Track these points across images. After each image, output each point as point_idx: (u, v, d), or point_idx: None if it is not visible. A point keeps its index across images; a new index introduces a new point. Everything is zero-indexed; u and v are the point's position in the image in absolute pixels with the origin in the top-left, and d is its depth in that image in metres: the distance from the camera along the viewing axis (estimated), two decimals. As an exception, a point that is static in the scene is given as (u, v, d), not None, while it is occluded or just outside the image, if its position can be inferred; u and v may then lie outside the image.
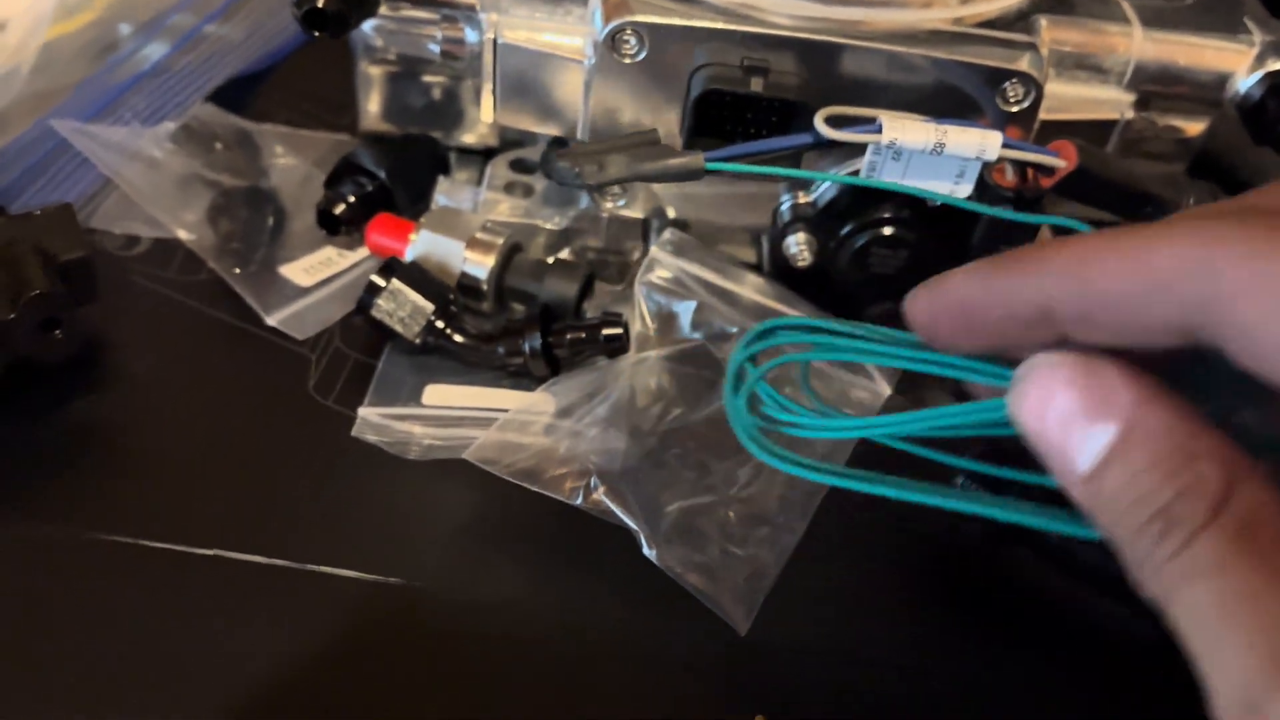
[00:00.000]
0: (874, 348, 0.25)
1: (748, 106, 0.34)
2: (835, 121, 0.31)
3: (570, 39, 0.35)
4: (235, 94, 0.44)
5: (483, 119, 0.37)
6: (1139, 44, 0.36)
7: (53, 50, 0.39)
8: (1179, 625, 0.18)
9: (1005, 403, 0.21)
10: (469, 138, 0.43)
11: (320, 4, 0.33)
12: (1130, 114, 0.36)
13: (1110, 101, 0.36)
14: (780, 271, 0.38)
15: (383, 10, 0.36)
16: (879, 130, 0.30)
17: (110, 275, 0.35)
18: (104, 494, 0.31)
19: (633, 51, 0.34)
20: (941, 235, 0.35)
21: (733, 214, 0.40)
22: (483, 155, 0.43)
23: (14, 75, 0.37)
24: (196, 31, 0.41)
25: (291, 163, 0.40)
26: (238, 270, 0.36)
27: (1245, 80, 0.36)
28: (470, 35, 0.37)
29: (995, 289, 0.21)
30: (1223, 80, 0.36)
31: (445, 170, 0.41)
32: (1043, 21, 0.35)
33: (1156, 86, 0.36)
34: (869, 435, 0.25)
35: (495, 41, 0.35)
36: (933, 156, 0.31)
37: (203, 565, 0.29)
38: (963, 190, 0.32)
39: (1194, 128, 0.39)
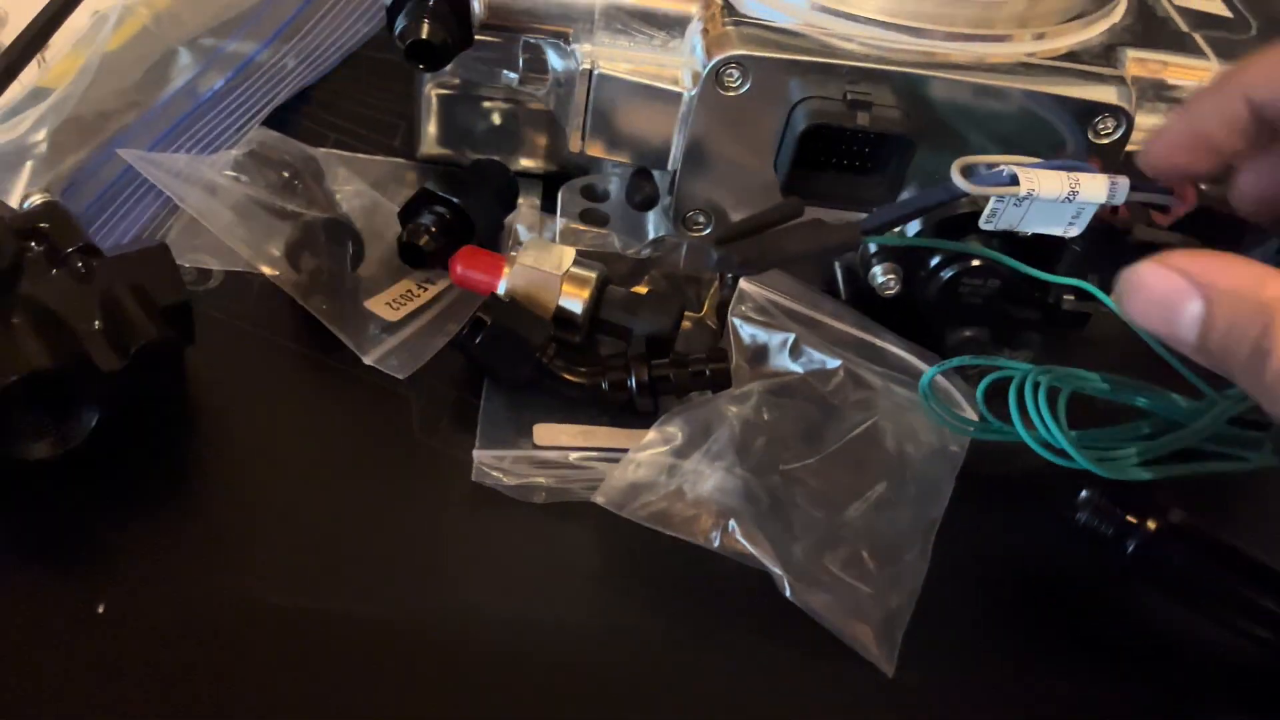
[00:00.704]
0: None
1: (841, 138, 0.34)
2: (966, 171, 0.31)
3: (668, 70, 0.35)
4: (280, 118, 0.43)
5: (570, 149, 0.37)
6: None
7: (103, 67, 0.37)
8: None
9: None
10: (527, 162, 0.43)
11: (425, 36, 0.32)
12: (1207, 145, 0.37)
13: (1189, 133, 0.37)
14: (860, 298, 0.39)
15: (470, 38, 0.36)
16: (1015, 182, 0.30)
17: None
18: (218, 546, 0.30)
19: (736, 85, 0.34)
20: (1030, 263, 0.36)
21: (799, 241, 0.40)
22: (540, 179, 0.43)
23: (66, 97, 0.35)
24: (252, 59, 0.40)
25: (356, 188, 0.39)
26: (325, 306, 0.35)
27: (1316, 112, 0.37)
28: (554, 62, 0.36)
29: (1207, 112, 0.27)
30: (1292, 112, 0.37)
31: (514, 199, 0.40)
32: (1128, 54, 0.36)
33: (1230, 117, 0.37)
34: None
35: (591, 72, 0.35)
36: (1059, 203, 0.31)
37: (329, 620, 0.28)
38: (1076, 230, 0.33)
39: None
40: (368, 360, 0.34)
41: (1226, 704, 0.31)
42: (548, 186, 0.42)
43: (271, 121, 0.42)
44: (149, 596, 0.28)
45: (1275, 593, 0.29)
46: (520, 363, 0.33)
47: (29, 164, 0.34)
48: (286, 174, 0.38)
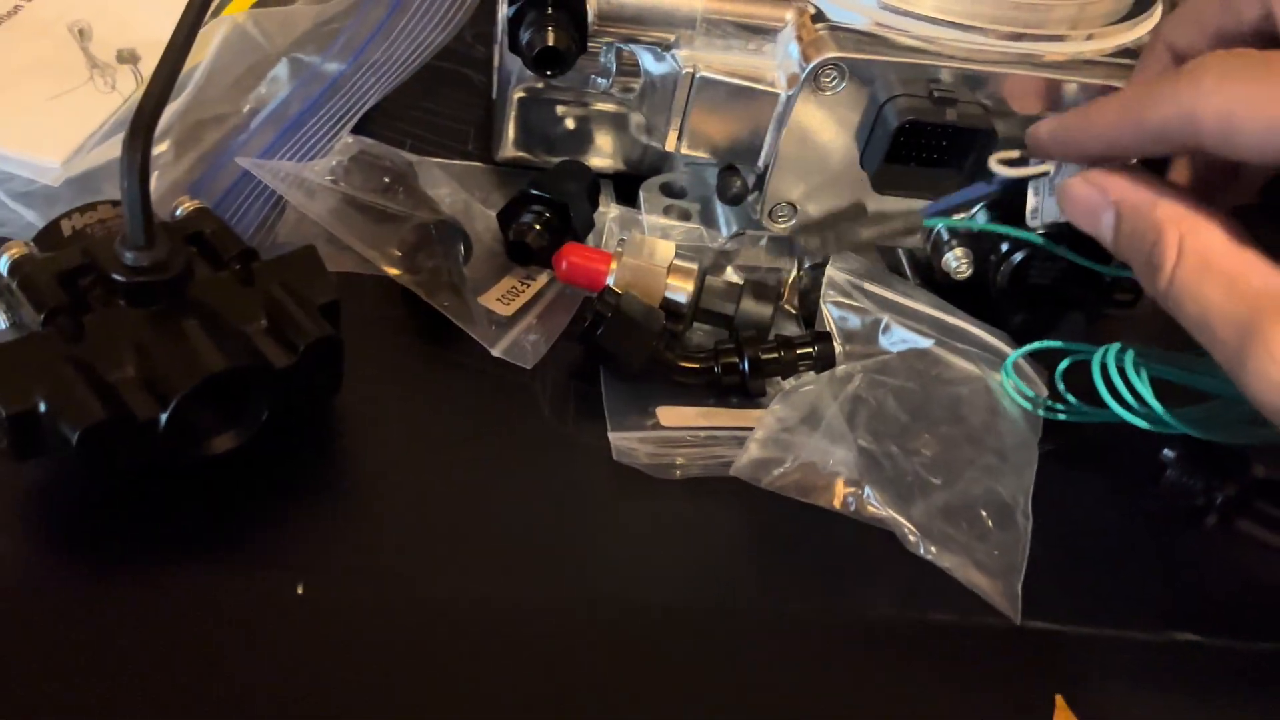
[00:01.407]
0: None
1: (926, 133, 0.37)
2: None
3: (763, 73, 0.37)
4: (358, 128, 0.44)
5: (666, 148, 0.39)
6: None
7: (211, 76, 0.38)
8: (1190, 325, 0.27)
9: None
10: (597, 162, 0.45)
11: (552, 43, 0.34)
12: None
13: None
14: (930, 282, 0.41)
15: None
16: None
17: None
18: (371, 540, 0.31)
19: (834, 85, 0.36)
20: (1091, 243, 0.39)
21: (868, 226, 0.42)
22: (610, 179, 0.45)
23: (185, 106, 0.36)
24: (341, 73, 0.41)
25: (449, 191, 0.41)
26: (448, 304, 0.36)
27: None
28: (649, 65, 0.38)
29: (1136, 128, 0.28)
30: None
31: (598, 195, 0.42)
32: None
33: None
34: None
35: (694, 76, 0.37)
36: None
37: (494, 607, 0.30)
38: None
39: None
40: (496, 352, 0.36)
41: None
42: (617, 185, 0.44)
43: (354, 131, 0.43)
44: (332, 580, 0.29)
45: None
46: (638, 351, 0.35)
47: (155, 173, 0.35)
48: (387, 179, 0.39)
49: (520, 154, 0.44)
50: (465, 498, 0.32)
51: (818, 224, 0.40)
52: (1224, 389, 0.38)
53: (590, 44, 0.37)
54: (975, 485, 0.34)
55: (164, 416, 0.28)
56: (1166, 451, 0.34)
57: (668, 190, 0.43)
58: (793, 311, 0.41)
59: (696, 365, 0.36)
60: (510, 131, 0.43)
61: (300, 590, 0.29)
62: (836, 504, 0.32)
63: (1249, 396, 0.26)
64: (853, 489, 0.33)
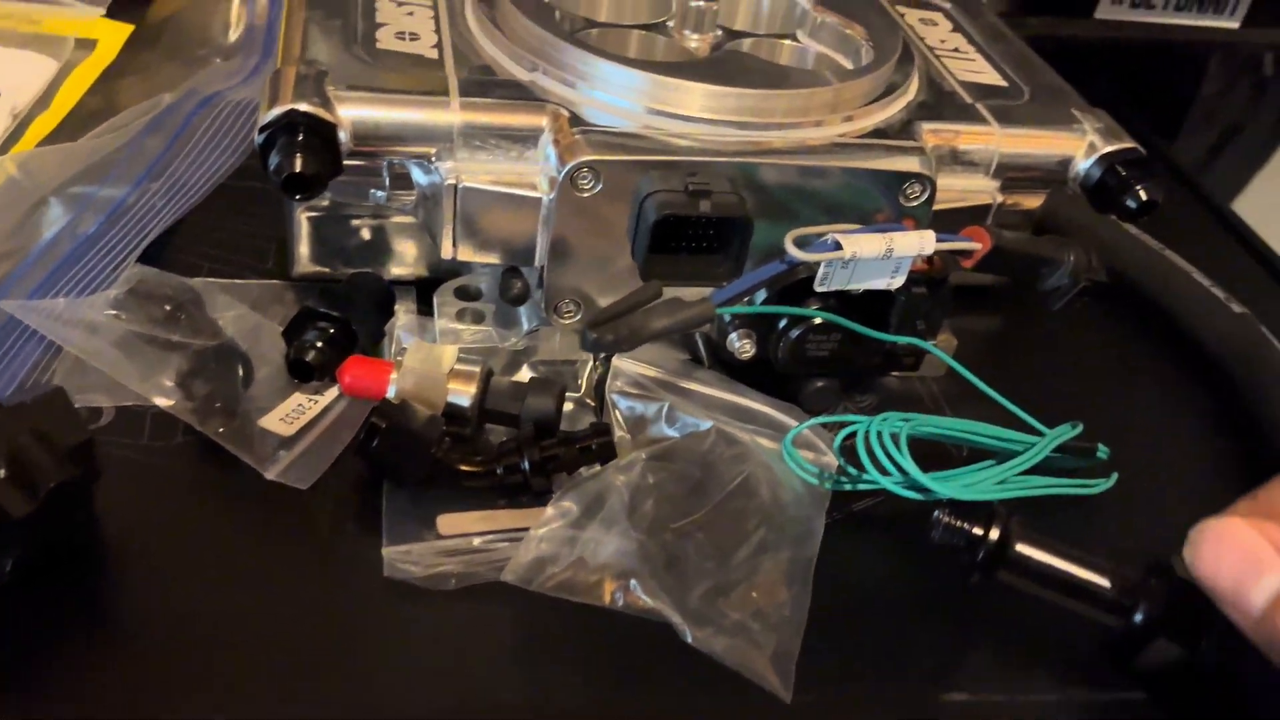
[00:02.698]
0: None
1: (688, 224, 0.38)
2: (799, 242, 0.35)
3: (526, 178, 0.38)
4: (153, 252, 0.44)
5: (443, 256, 0.39)
6: (999, 139, 0.42)
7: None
8: None
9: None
10: (399, 270, 0.45)
11: (299, 169, 0.34)
12: (1000, 198, 0.43)
13: (984, 190, 0.42)
14: (722, 363, 0.42)
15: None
16: (839, 248, 0.35)
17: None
18: (136, 677, 0.30)
19: (589, 186, 0.37)
20: (865, 316, 0.40)
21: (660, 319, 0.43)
22: (413, 285, 0.45)
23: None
24: (123, 201, 0.41)
25: (238, 313, 0.41)
26: (222, 430, 0.36)
27: (1084, 163, 0.43)
28: (419, 177, 0.39)
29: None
30: (1066, 163, 0.43)
31: (391, 306, 0.43)
32: (923, 126, 0.41)
33: (1015, 173, 0.43)
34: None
35: (456, 187, 0.38)
36: (879, 260, 0.36)
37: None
38: (898, 281, 0.37)
39: (1034, 201, 0.46)
40: (269, 475, 0.36)
41: (1099, 676, 0.35)
42: (422, 291, 0.45)
43: (145, 256, 0.43)
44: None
45: (1107, 584, 0.34)
46: (418, 461, 0.36)
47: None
48: (169, 307, 0.39)
49: (317, 269, 0.45)
50: (233, 624, 0.32)
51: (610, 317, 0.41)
52: (1000, 443, 0.39)
53: (354, 161, 0.38)
54: (751, 565, 0.34)
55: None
56: (936, 513, 0.35)
57: (463, 294, 0.44)
58: (591, 403, 0.42)
59: (479, 469, 0.37)
60: (303, 249, 0.44)
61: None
62: (606, 600, 0.33)
63: None
64: (620, 582, 0.33)
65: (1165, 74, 0.84)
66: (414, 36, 0.41)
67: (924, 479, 0.34)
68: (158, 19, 0.56)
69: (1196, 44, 0.74)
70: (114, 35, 0.52)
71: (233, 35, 0.58)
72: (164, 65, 0.54)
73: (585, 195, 0.37)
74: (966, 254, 0.38)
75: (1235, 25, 0.74)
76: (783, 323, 0.40)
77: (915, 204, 0.40)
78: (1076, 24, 0.69)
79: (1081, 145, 0.43)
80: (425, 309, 0.44)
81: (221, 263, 0.46)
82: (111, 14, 0.53)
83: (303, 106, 0.35)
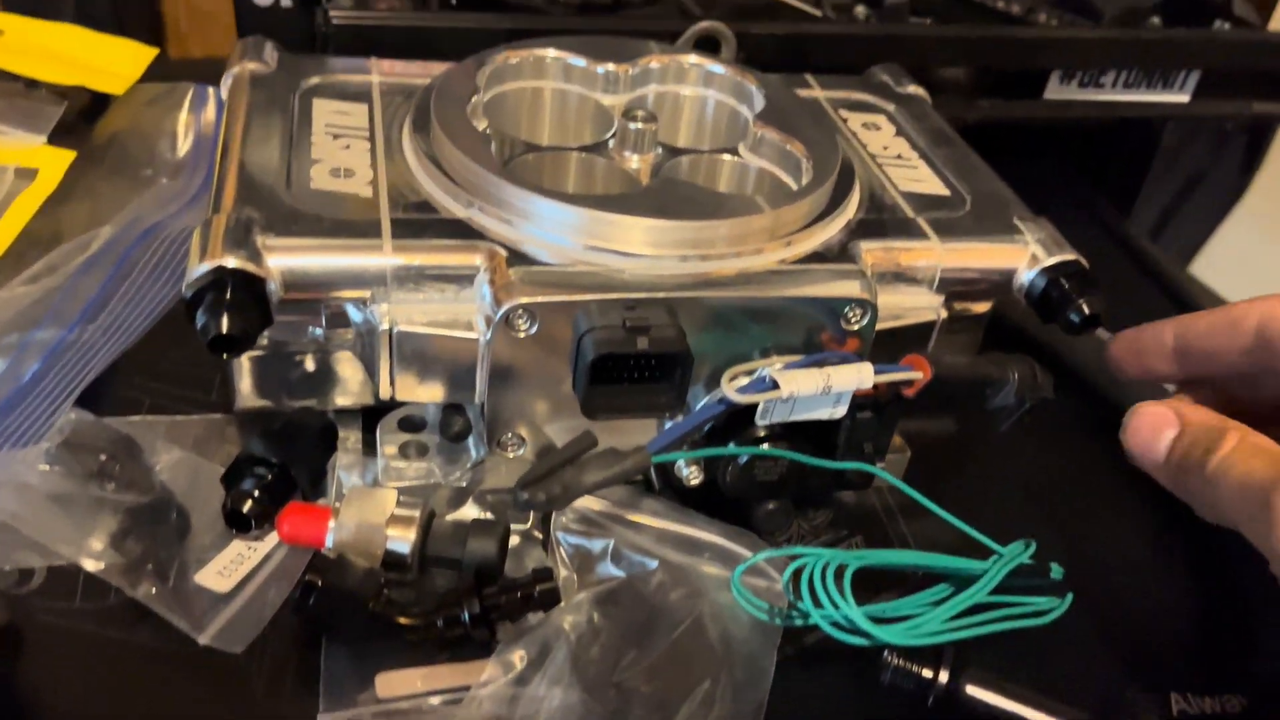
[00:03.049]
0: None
1: (628, 359, 0.38)
2: (738, 379, 0.35)
3: (463, 317, 0.38)
4: (94, 390, 0.43)
5: (381, 396, 0.39)
6: (940, 255, 0.42)
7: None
8: (1229, 491, 0.34)
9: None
10: (344, 399, 0.44)
11: (225, 331, 0.34)
12: (944, 313, 0.42)
13: (927, 306, 0.42)
14: (672, 490, 0.42)
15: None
16: (776, 387, 0.35)
17: (13, 616, 0.34)
18: None
19: (526, 327, 0.37)
20: (811, 440, 0.40)
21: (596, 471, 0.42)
22: (359, 414, 0.45)
23: None
24: (60, 343, 0.41)
25: (176, 456, 0.40)
26: (155, 591, 0.35)
27: (1028, 273, 0.43)
28: (355, 316, 0.39)
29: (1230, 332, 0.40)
30: (1009, 275, 0.43)
31: (334, 442, 0.42)
32: (862, 247, 0.41)
33: (959, 286, 0.43)
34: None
35: (391, 331, 0.37)
36: (818, 395, 0.35)
37: None
38: (840, 411, 0.37)
39: (983, 306, 0.45)
40: (203, 641, 0.35)
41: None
42: (368, 419, 0.44)
43: (85, 395, 0.42)
44: None
45: (1053, 714, 0.33)
46: (355, 616, 0.35)
47: None
48: (103, 457, 0.39)
49: (260, 403, 0.44)
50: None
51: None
52: (952, 570, 0.39)
53: (289, 307, 0.37)
54: (698, 714, 0.34)
55: None
56: (885, 654, 0.35)
57: (407, 424, 0.43)
58: (538, 536, 0.41)
59: (419, 621, 0.36)
60: (244, 385, 0.43)
61: None
62: (547, 765, 0.32)
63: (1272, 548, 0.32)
64: (561, 746, 0.32)
65: (1120, 133, 0.84)
66: (349, 173, 0.41)
67: (867, 625, 0.33)
68: (103, 139, 0.56)
69: (1148, 119, 0.74)
70: (56, 162, 0.52)
71: (181, 149, 0.58)
72: (109, 187, 0.53)
73: (522, 335, 0.37)
74: (908, 383, 0.37)
75: (1186, 99, 0.74)
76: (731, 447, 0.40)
77: (857, 327, 0.40)
78: (1026, 105, 0.70)
79: (1024, 256, 0.43)
80: (370, 440, 0.43)
81: (164, 397, 0.45)
82: (53, 140, 0.53)
83: (230, 262, 0.35)
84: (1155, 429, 0.38)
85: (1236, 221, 1.11)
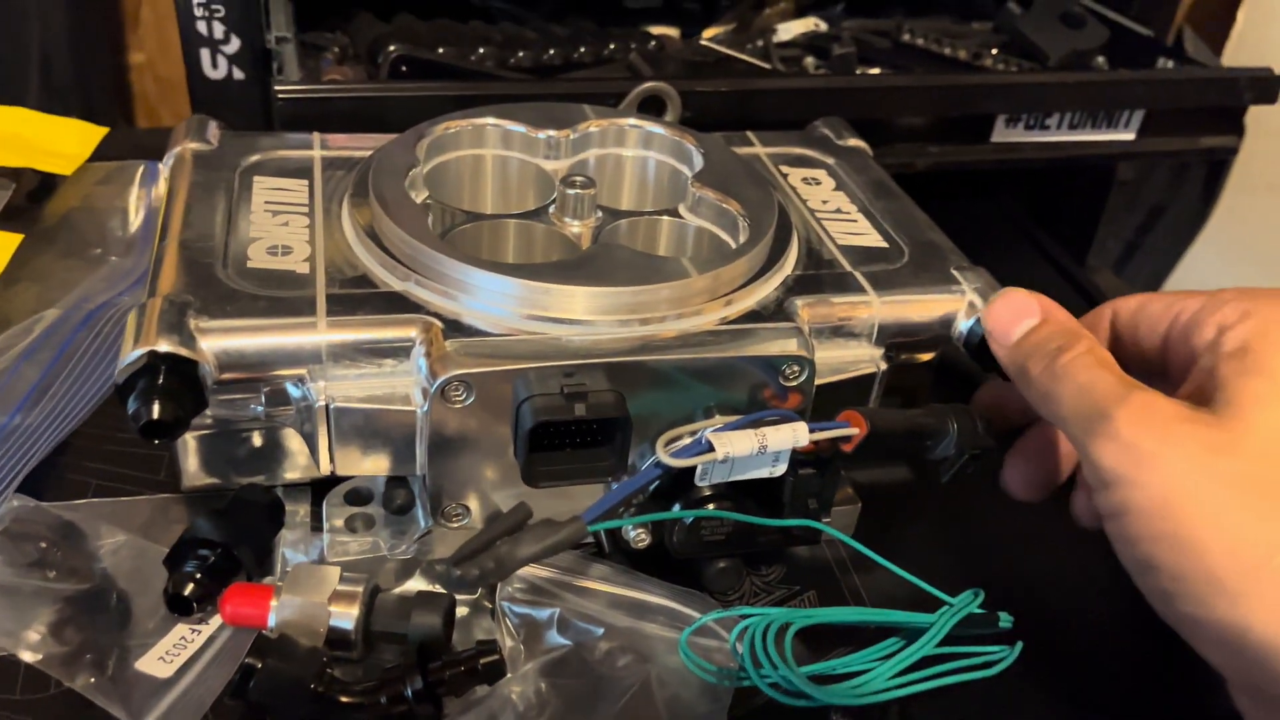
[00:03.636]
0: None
1: (562, 426, 0.38)
2: (672, 443, 0.35)
3: (400, 390, 0.38)
4: (39, 474, 0.43)
5: (322, 472, 0.39)
6: (878, 308, 0.43)
7: None
8: (1067, 395, 0.35)
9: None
10: (292, 474, 0.44)
11: (156, 416, 0.34)
12: (884, 365, 0.43)
13: (867, 358, 0.43)
14: (620, 552, 0.42)
15: (207, 393, 0.38)
16: (712, 449, 0.35)
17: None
18: None
19: (462, 398, 0.37)
20: (757, 497, 0.40)
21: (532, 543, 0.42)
22: (308, 487, 0.44)
23: None
24: (3, 429, 0.41)
25: (120, 540, 0.40)
26: (94, 680, 0.35)
27: (965, 322, 0.43)
28: (294, 392, 0.39)
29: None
30: (948, 323, 0.44)
31: (281, 517, 0.42)
32: (798, 303, 0.42)
33: (900, 337, 0.43)
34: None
35: (328, 408, 0.37)
36: (755, 455, 0.36)
37: None
38: (780, 469, 0.37)
39: (926, 356, 0.46)
40: (142, 731, 0.34)
41: None
42: (316, 492, 0.44)
43: (31, 479, 0.42)
44: None
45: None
46: (296, 700, 0.35)
47: None
48: (44, 544, 0.38)
49: (208, 481, 0.44)
50: None
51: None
52: (899, 621, 0.38)
53: (226, 387, 0.37)
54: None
55: None
56: (831, 714, 0.35)
57: (354, 497, 0.43)
58: (489, 605, 0.41)
59: (363, 700, 0.36)
60: (190, 464, 0.43)
61: None
62: (491, 845, 0.32)
63: (1093, 460, 0.33)
64: (503, 826, 0.32)
65: (1074, 171, 0.85)
66: (286, 250, 0.41)
67: (807, 687, 0.33)
68: (52, 220, 0.56)
69: (1095, 157, 0.75)
70: (3, 245, 0.52)
71: (133, 226, 0.58)
72: (59, 268, 0.53)
73: (458, 406, 0.37)
74: (845, 439, 0.37)
75: (1131, 137, 0.75)
76: (677, 507, 0.40)
77: (796, 383, 0.40)
78: (974, 149, 0.71)
79: (962, 305, 0.44)
80: (319, 511, 0.43)
81: (111, 478, 0.45)
82: (1, 223, 0.53)
83: (162, 347, 0.35)
84: (1017, 314, 0.39)
85: (1200, 250, 1.12)
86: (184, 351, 0.35)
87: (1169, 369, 0.39)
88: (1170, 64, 0.78)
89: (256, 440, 0.44)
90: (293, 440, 0.44)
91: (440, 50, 0.68)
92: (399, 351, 0.38)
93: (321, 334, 0.37)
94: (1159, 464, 0.31)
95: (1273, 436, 0.31)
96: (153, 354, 0.35)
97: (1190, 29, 1.06)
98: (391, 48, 0.66)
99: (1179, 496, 0.31)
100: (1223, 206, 1.08)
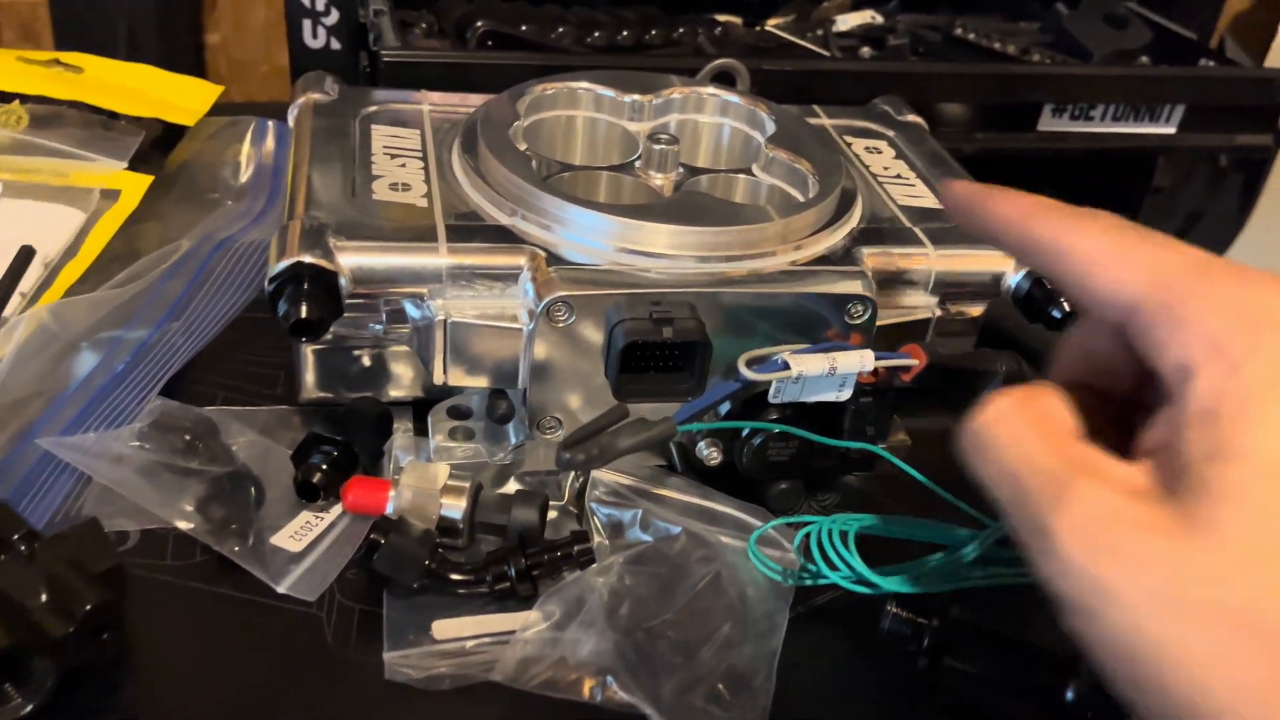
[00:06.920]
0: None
1: (654, 348, 0.43)
2: (752, 361, 0.40)
3: (509, 310, 0.43)
4: (174, 385, 0.48)
5: (435, 382, 0.44)
6: (934, 260, 0.47)
7: (13, 366, 0.42)
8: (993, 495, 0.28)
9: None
10: (397, 392, 0.49)
11: (304, 316, 0.39)
12: (938, 312, 0.47)
13: (923, 305, 0.47)
14: (693, 470, 0.46)
15: (338, 304, 0.42)
16: (788, 368, 0.39)
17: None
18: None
19: (564, 318, 0.42)
20: (819, 424, 0.44)
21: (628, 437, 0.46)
22: (410, 405, 0.49)
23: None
24: (147, 342, 0.46)
25: (250, 438, 0.45)
26: (238, 549, 0.40)
27: (1014, 277, 0.48)
28: (412, 312, 0.44)
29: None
30: (998, 278, 0.48)
31: (389, 427, 0.47)
32: (864, 252, 0.46)
33: (952, 289, 0.47)
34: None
35: (446, 322, 0.42)
36: (825, 377, 0.40)
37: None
38: (846, 394, 0.42)
39: (977, 310, 0.50)
40: (280, 589, 0.39)
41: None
42: (418, 411, 0.49)
43: (166, 389, 0.47)
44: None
45: (1041, 665, 0.37)
46: (413, 572, 0.39)
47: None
48: (188, 437, 0.43)
49: (322, 395, 0.49)
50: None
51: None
52: (946, 538, 0.43)
53: (356, 301, 0.42)
54: (716, 659, 0.38)
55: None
56: (888, 604, 0.39)
57: (455, 413, 0.48)
58: (574, 510, 0.46)
59: (470, 577, 0.40)
60: (308, 378, 0.48)
61: None
62: (586, 695, 0.36)
63: (1041, 577, 0.26)
64: (599, 679, 0.36)
65: (1116, 174, 0.89)
66: (406, 187, 0.46)
67: (870, 574, 0.38)
68: (174, 166, 0.61)
69: (1137, 150, 0.79)
70: (135, 186, 0.57)
71: (243, 176, 0.63)
72: (179, 210, 0.59)
73: (561, 325, 0.42)
74: (905, 369, 0.42)
75: (1172, 131, 0.79)
76: (745, 431, 0.44)
77: (859, 322, 0.44)
78: (1020, 137, 0.75)
79: (1010, 261, 0.48)
80: (421, 428, 0.48)
81: (235, 391, 0.50)
82: (133, 166, 0.59)
83: (307, 258, 0.40)
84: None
85: (1235, 256, 1.15)
86: (325, 264, 0.40)
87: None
88: (1210, 64, 0.82)
89: (367, 360, 0.49)
90: (399, 362, 0.49)
91: (523, 28, 0.73)
92: (508, 277, 0.43)
93: (443, 258, 0.42)
94: (1121, 598, 0.24)
95: (1258, 549, 0.23)
96: (299, 264, 0.40)
97: (1231, 37, 1.09)
98: (479, 23, 0.71)
99: (1151, 642, 0.24)
100: (1259, 214, 1.11)
